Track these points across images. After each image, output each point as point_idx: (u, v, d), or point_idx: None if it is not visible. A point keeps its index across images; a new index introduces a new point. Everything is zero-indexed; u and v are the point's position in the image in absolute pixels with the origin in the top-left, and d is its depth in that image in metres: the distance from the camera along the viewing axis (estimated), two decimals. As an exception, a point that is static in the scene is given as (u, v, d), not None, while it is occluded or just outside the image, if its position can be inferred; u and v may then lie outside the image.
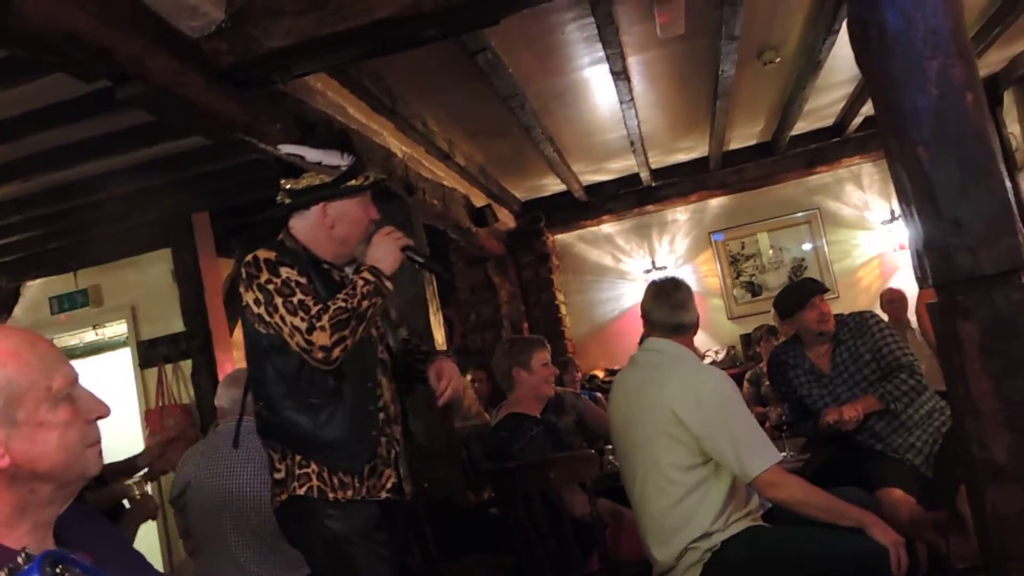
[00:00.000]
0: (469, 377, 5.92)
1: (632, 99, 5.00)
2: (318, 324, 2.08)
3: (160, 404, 5.39)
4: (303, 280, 2.19)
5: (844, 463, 3.42)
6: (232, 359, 5.52)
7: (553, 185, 7.28)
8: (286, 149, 2.32)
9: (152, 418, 5.34)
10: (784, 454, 3.63)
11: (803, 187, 7.82)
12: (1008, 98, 6.51)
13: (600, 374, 7.42)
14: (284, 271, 2.18)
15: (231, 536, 3.07)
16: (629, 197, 7.69)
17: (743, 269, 8.05)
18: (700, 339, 7.79)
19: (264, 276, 2.18)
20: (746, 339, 7.46)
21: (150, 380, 5.54)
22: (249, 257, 2.23)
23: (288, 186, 2.34)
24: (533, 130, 5.15)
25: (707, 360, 7.57)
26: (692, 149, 7.07)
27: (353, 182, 2.34)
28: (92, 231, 5.30)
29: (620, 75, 4.54)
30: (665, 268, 8.05)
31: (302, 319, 2.09)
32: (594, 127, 5.69)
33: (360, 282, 2.19)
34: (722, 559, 2.50)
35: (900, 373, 3.31)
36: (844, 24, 3.80)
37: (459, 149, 5.43)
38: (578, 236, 8.29)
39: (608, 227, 8.24)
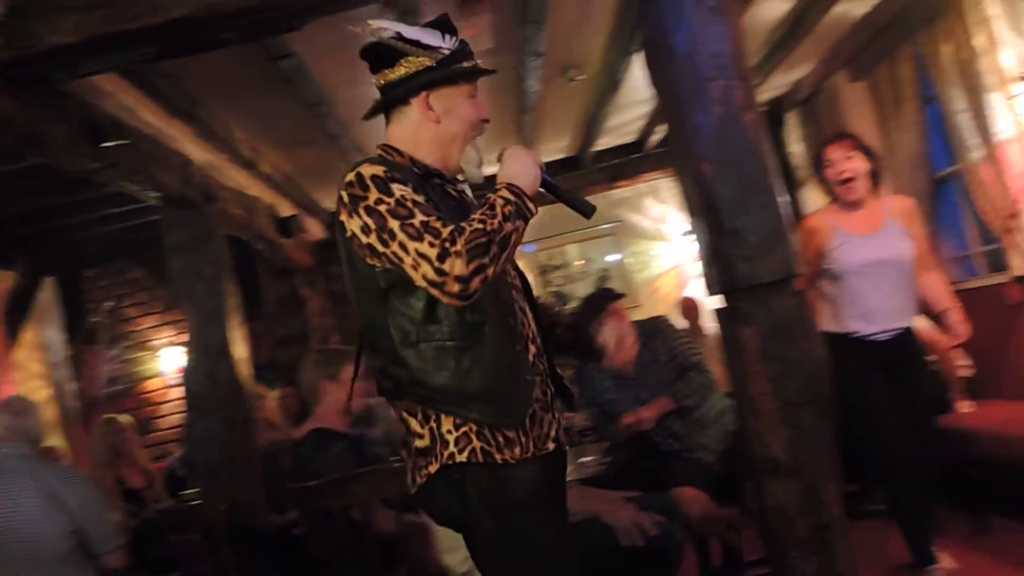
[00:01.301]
0: (278, 394, 5.74)
1: (441, 111, 5.02)
2: (452, 249, 1.70)
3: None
4: (420, 198, 1.81)
5: (644, 464, 3.57)
6: (12, 381, 5.10)
7: (364, 196, 7.18)
8: (376, 24, 1.97)
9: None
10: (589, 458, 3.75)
11: (607, 200, 8.12)
12: (791, 119, 7.02)
13: (413, 385, 7.38)
14: (397, 188, 1.80)
15: (16, 568, 2.90)
16: (441, 208, 7.71)
17: (552, 279, 8.28)
18: (511, 348, 7.93)
19: (373, 195, 1.79)
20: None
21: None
22: (350, 175, 1.84)
23: (383, 81, 1.98)
24: (341, 139, 5.07)
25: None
26: (501, 162, 7.18)
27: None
28: None
29: (428, 87, 4.55)
30: (477, 279, 8.13)
31: (431, 244, 1.71)
32: (404, 138, 5.66)
33: (500, 200, 1.81)
34: None
35: (689, 371, 3.50)
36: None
37: (264, 157, 5.27)
38: (390, 247, 8.23)
39: (420, 238, 8.22)
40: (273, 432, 4.72)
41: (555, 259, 8.27)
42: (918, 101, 4.94)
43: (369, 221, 1.78)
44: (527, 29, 4.07)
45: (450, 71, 1.97)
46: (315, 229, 7.15)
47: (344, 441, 3.31)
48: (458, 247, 1.70)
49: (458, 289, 1.70)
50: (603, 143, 7.06)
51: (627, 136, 7.21)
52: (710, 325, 6.14)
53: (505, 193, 1.84)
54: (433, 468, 1.83)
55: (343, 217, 1.84)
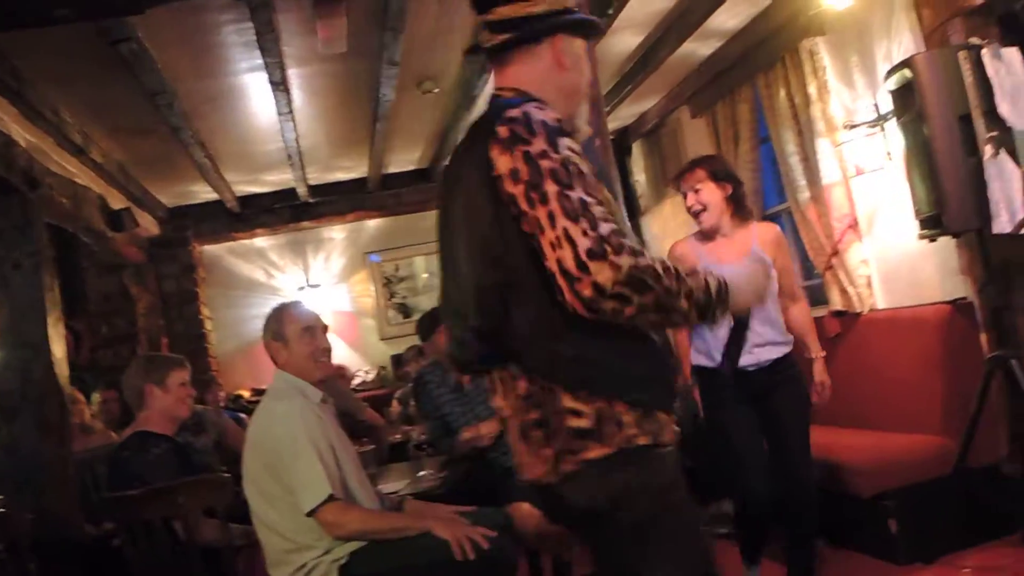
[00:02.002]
0: (99, 397, 5.41)
1: (291, 112, 4.89)
2: (611, 256, 1.40)
3: None
4: (585, 166, 1.53)
5: (480, 479, 3.58)
6: None
7: (204, 193, 6.92)
8: None
9: None
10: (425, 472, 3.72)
11: (456, 215, 8.16)
12: (636, 149, 7.26)
13: (246, 394, 7.15)
14: (565, 144, 1.52)
15: None
16: (285, 212, 7.52)
17: (397, 290, 8.22)
18: (352, 359, 7.83)
19: (538, 144, 1.50)
20: (397, 359, 7.60)
21: None
22: (513, 111, 1.55)
23: (525, 12, 1.69)
24: (182, 132, 4.85)
25: (357, 380, 7.59)
26: (352, 168, 7.09)
27: None
28: None
29: (279, 85, 4.43)
30: (319, 286, 7.99)
31: (585, 233, 1.42)
32: (250, 136, 5.49)
33: (703, 280, 1.53)
34: (350, 572, 2.50)
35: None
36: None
37: (96, 145, 4.97)
38: (228, 248, 7.96)
39: (261, 241, 8.01)
40: (90, 437, 4.44)
41: (402, 270, 8.21)
42: (754, 140, 5.22)
43: (523, 169, 1.49)
44: (384, 36, 4.03)
45: (585, 19, 1.79)
46: (148, 223, 6.81)
47: (168, 444, 3.14)
48: (618, 260, 1.41)
49: (589, 296, 1.42)
50: (456, 158, 7.08)
51: (480, 152, 7.25)
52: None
53: (713, 280, 1.56)
54: (595, 453, 1.54)
55: (493, 154, 1.53)
